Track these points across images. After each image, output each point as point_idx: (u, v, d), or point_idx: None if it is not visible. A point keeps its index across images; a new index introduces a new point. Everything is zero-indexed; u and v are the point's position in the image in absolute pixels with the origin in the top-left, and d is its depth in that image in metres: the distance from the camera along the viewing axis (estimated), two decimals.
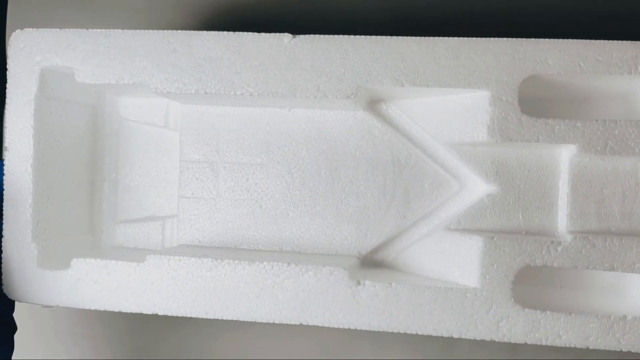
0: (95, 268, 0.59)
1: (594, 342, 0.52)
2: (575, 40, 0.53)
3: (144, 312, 0.58)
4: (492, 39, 0.54)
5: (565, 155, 0.55)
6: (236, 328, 0.71)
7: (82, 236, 0.66)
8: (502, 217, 0.57)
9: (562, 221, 0.55)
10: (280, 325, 0.59)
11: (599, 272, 0.56)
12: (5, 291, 0.60)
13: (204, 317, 0.57)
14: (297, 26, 0.61)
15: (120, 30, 0.59)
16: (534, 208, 0.56)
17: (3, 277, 0.60)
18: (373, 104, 0.62)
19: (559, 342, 0.53)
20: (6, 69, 0.68)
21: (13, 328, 0.62)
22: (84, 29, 0.59)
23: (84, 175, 0.66)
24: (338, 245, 0.62)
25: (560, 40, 0.53)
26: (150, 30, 0.58)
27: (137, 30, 0.59)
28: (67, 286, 0.59)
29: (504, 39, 0.54)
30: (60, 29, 0.60)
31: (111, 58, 0.59)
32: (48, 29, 0.60)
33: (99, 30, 0.59)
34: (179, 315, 0.58)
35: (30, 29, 0.60)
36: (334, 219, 0.62)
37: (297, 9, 0.69)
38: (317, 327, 0.68)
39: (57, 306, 0.60)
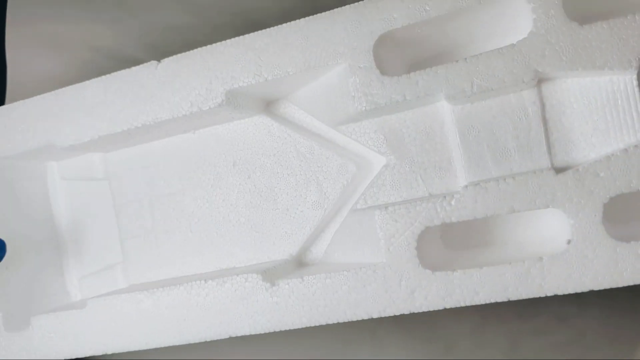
0: (50, 321, 0.62)
1: (514, 292, 0.48)
2: None
3: (95, 354, 0.61)
4: (336, 9, 0.53)
5: (447, 107, 0.52)
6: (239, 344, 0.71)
7: (51, 297, 0.69)
8: (404, 186, 0.54)
9: (461, 175, 0.52)
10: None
11: (509, 223, 0.52)
12: None
13: (145, 348, 0.59)
14: None
15: (16, 103, 0.63)
16: (432, 168, 0.54)
17: None
18: (269, 106, 0.61)
19: (477, 300, 0.49)
20: (6, 68, 0.72)
21: None
22: None
23: (45, 239, 0.70)
24: (271, 252, 0.62)
25: None
26: (42, 95, 0.62)
27: (32, 98, 0.62)
28: (33, 343, 0.63)
29: (347, 6, 0.52)
30: None
31: (16, 130, 0.63)
32: None
33: None
34: (125, 350, 0.60)
35: None
36: (260, 227, 0.62)
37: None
38: (312, 329, 0.68)
39: None
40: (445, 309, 0.51)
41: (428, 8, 0.50)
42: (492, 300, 0.49)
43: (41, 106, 0.62)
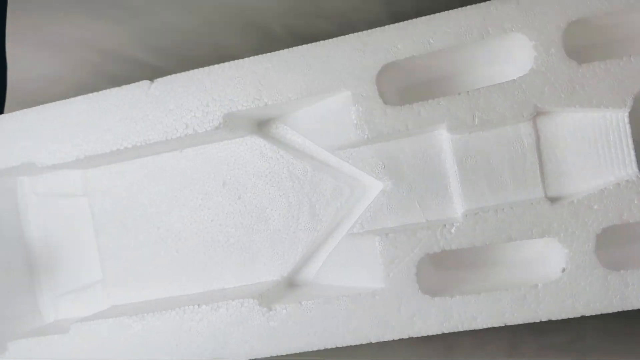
0: (30, 346, 0.59)
1: (510, 317, 0.50)
2: (418, 18, 0.52)
3: None
4: (340, 37, 0.53)
5: (445, 135, 0.54)
6: None
7: (22, 318, 0.66)
8: (400, 211, 0.55)
9: (457, 202, 0.54)
10: None
11: (504, 250, 0.54)
12: None
13: None
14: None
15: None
16: (429, 195, 0.55)
17: None
18: (261, 126, 0.61)
19: (475, 325, 0.51)
20: (6, 68, 0.70)
21: None
22: None
23: (15, 258, 0.67)
24: (260, 273, 0.62)
25: (404, 22, 0.52)
26: (24, 110, 0.59)
27: (12, 114, 0.60)
28: None
29: (351, 35, 0.53)
30: None
31: None
32: None
33: None
34: None
35: None
36: (250, 248, 0.61)
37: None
38: None
39: None
40: None
41: (432, 41, 0.51)
42: (489, 326, 0.51)
43: (22, 122, 0.59)
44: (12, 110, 0.69)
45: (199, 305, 0.56)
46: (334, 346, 0.54)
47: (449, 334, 0.62)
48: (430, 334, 0.52)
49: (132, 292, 0.65)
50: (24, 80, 0.74)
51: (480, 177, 0.53)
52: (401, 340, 0.63)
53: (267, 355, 0.55)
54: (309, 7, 0.66)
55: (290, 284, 0.61)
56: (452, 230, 0.52)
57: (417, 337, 0.63)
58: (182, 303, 0.57)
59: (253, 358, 0.55)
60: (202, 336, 0.56)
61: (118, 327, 0.57)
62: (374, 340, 0.53)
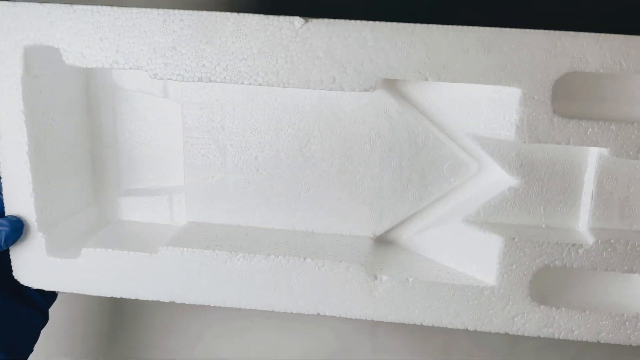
0: (107, 258, 0.58)
1: (605, 337, 0.54)
2: (617, 35, 0.48)
3: (161, 299, 0.58)
4: (528, 30, 0.49)
5: (594, 151, 0.53)
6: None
7: (86, 210, 0.64)
8: (523, 210, 0.55)
9: (584, 217, 0.54)
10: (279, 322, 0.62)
11: (615, 275, 0.56)
12: (17, 278, 0.60)
13: (222, 305, 0.57)
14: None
15: (108, 7, 0.52)
16: (557, 202, 0.55)
17: (14, 265, 0.59)
18: (391, 82, 0.57)
19: (571, 337, 0.54)
20: None
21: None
22: (68, 5, 0.53)
23: (82, 146, 0.63)
24: (352, 225, 0.61)
25: (602, 34, 0.48)
26: (144, 9, 0.52)
27: (129, 8, 0.52)
28: (79, 273, 0.58)
29: (541, 31, 0.48)
30: (41, 3, 0.53)
31: (101, 38, 0.53)
32: (27, 3, 0.53)
33: (84, 6, 0.53)
34: (197, 303, 0.58)
35: (7, 1, 0.53)
36: (348, 199, 0.60)
37: None
38: (316, 324, 0.70)
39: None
40: None
41: (623, 63, 0.48)
42: (584, 339, 0.54)
43: (138, 21, 0.52)
44: None
45: (304, 258, 0.55)
46: (430, 325, 0.56)
47: (448, 332, 0.65)
48: (527, 335, 0.54)
49: (211, 212, 0.63)
50: None
51: (614, 200, 0.53)
52: (400, 339, 0.65)
53: (362, 317, 0.56)
54: None
55: (380, 241, 0.62)
56: (580, 251, 0.52)
57: (417, 336, 0.66)
58: (285, 248, 0.57)
59: (348, 317, 0.56)
60: (301, 287, 0.56)
61: (215, 260, 0.56)
62: (470, 328, 0.55)
